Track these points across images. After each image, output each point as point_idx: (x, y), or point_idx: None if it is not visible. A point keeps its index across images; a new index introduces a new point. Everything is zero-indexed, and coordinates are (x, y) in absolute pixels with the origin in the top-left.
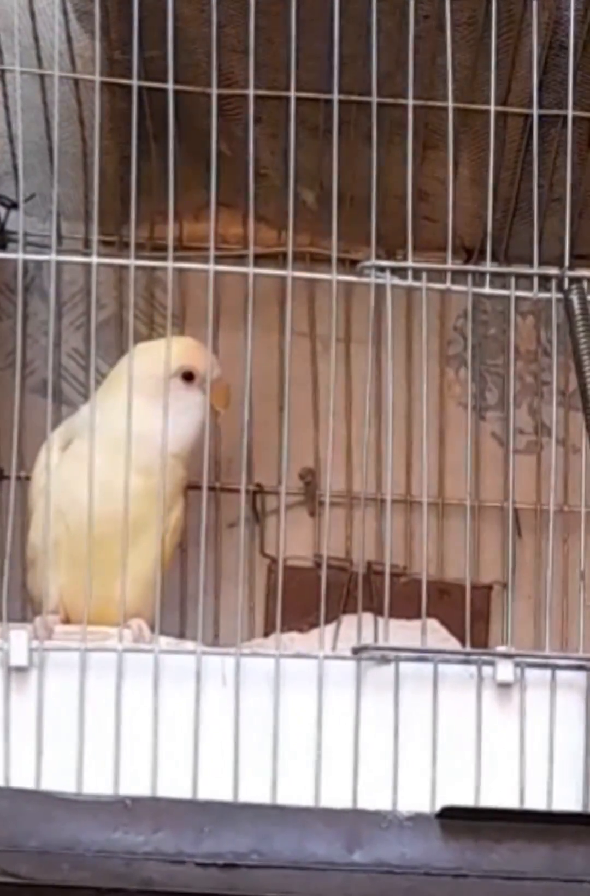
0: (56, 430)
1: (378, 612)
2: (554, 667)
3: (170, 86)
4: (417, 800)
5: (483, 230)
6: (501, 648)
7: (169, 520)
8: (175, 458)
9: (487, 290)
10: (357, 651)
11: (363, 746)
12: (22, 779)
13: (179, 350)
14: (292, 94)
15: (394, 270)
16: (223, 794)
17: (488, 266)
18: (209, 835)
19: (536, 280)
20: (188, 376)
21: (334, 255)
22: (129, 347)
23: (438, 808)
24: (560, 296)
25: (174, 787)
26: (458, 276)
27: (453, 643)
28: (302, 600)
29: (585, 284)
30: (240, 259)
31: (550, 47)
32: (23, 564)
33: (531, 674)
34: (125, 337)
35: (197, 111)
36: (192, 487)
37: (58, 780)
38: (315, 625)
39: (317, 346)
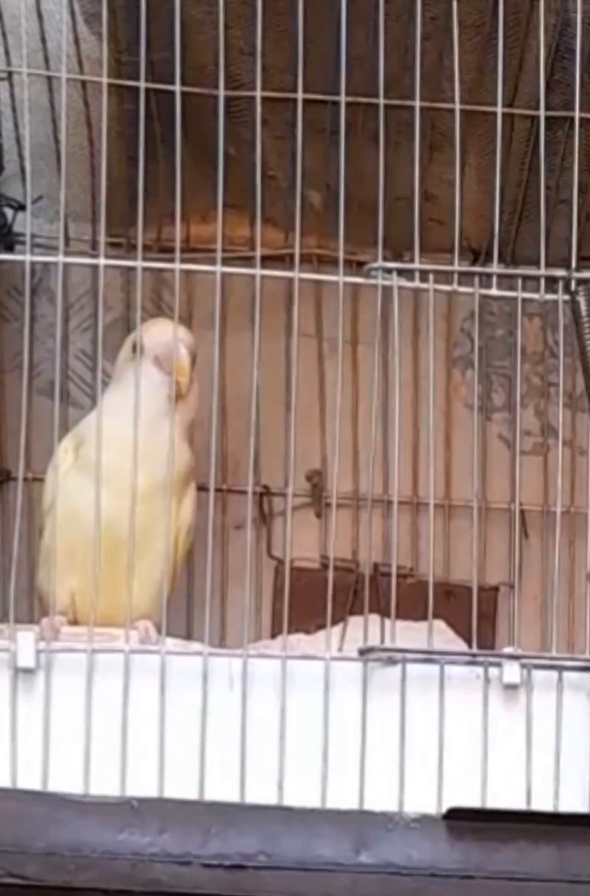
0: (67, 436)
1: (385, 613)
2: (561, 668)
3: (177, 88)
4: (423, 801)
5: (490, 232)
6: (507, 650)
7: (180, 515)
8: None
9: (493, 291)
10: (364, 652)
11: (370, 748)
12: (29, 780)
13: (143, 329)
14: (299, 96)
15: (401, 272)
16: (230, 795)
17: (495, 268)
18: (216, 836)
19: (542, 282)
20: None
21: (341, 256)
22: (137, 349)
23: (444, 809)
24: (567, 297)
25: (181, 788)
26: (464, 277)
27: (459, 644)
28: (309, 602)
29: None
30: (247, 261)
31: (557, 49)
32: (30, 566)
33: (538, 675)
34: None
35: (204, 113)
36: (199, 489)
37: (64, 782)
38: (322, 626)
39: (324, 347)
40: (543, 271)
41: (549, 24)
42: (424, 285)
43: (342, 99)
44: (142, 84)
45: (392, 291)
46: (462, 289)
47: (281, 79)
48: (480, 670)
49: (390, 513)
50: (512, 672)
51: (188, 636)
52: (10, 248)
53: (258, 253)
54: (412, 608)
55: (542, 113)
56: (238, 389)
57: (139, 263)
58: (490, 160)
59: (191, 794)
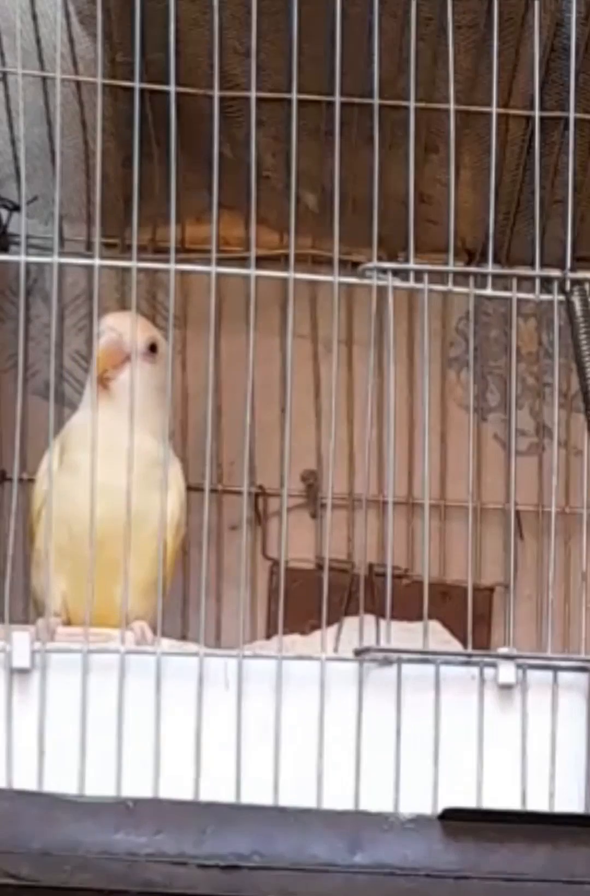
0: (56, 438)
1: (380, 613)
2: (556, 668)
3: (172, 88)
4: (418, 801)
5: (485, 232)
6: (502, 650)
7: (168, 505)
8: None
9: (488, 291)
10: (359, 653)
11: (365, 748)
12: (24, 780)
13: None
14: (294, 96)
15: (396, 272)
16: (225, 795)
17: (490, 268)
18: (211, 836)
19: (537, 282)
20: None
21: (336, 257)
22: (133, 349)
23: (439, 809)
24: (562, 298)
25: (176, 788)
26: (459, 277)
27: (454, 645)
28: (304, 602)
29: (586, 286)
30: (241, 261)
31: (551, 49)
32: (25, 567)
33: (533, 675)
34: None
35: (199, 114)
36: (194, 489)
37: (60, 782)
38: (317, 627)
39: (319, 348)
40: (538, 272)
41: (543, 24)
42: (419, 285)
43: (337, 99)
44: (136, 84)
45: (387, 292)
46: (457, 289)
47: (276, 79)
48: (475, 671)
49: (386, 513)
50: (507, 672)
51: (183, 637)
52: (5, 249)
53: (253, 253)
54: (408, 609)
55: (537, 113)
56: (233, 390)
57: (134, 264)
58: (485, 160)
59: (186, 794)
